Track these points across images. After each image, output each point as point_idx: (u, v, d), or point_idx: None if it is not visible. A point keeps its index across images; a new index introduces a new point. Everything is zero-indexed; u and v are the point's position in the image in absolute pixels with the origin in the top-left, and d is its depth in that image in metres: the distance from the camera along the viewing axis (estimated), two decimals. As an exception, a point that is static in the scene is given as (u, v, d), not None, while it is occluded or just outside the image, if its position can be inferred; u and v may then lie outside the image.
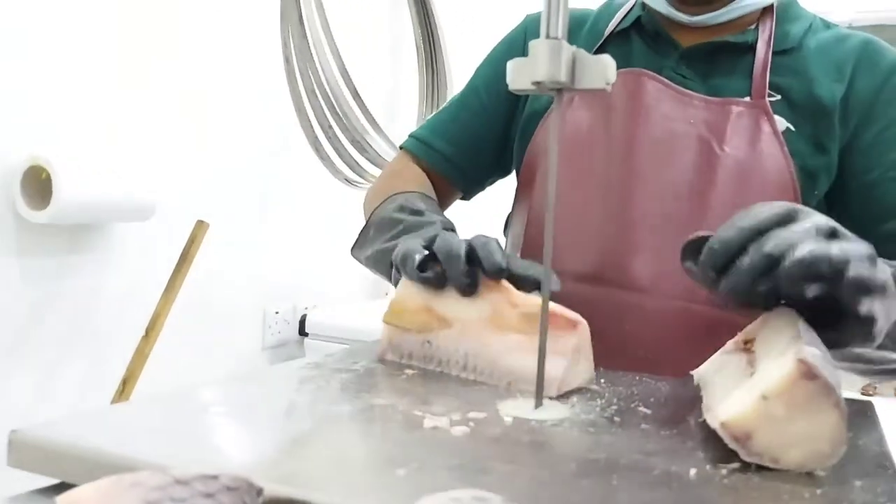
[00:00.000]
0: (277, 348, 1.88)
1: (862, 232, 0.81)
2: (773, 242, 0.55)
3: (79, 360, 1.40)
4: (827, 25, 0.90)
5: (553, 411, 0.57)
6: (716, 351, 0.65)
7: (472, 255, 0.66)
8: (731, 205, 0.81)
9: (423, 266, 0.68)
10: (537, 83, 0.55)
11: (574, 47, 0.55)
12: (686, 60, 0.87)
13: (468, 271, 0.66)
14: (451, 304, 0.68)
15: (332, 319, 1.87)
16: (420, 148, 1.00)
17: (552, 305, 0.62)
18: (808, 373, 0.45)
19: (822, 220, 0.57)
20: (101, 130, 1.39)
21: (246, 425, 0.51)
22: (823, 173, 0.83)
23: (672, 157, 0.83)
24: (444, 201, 1.01)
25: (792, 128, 0.83)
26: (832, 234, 0.57)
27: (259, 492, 0.38)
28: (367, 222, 0.94)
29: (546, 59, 0.53)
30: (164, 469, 0.36)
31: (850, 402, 0.65)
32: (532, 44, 0.54)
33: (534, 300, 0.64)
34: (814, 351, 0.48)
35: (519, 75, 0.56)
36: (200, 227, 1.47)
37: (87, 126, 1.37)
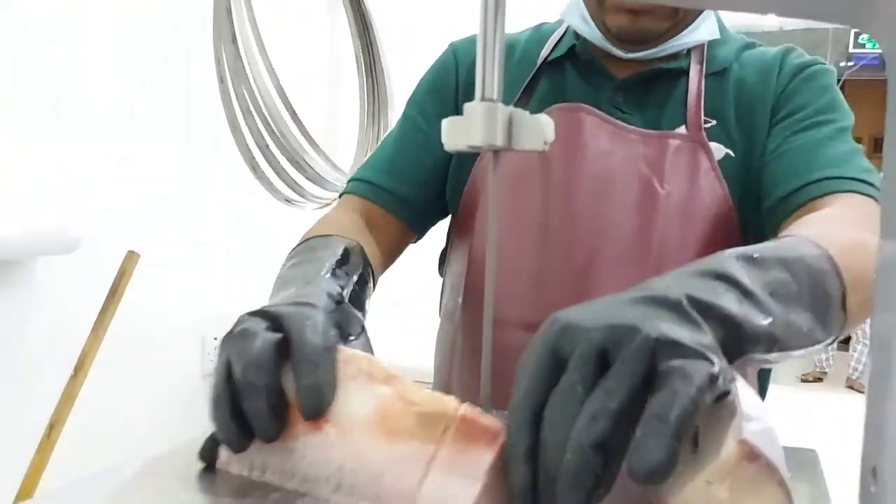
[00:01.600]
0: (217, 376, 1.83)
1: (757, 216, 0.81)
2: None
3: (1, 403, 1.33)
4: (752, 45, 0.91)
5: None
6: None
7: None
8: (673, 245, 0.81)
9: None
10: (473, 147, 0.52)
11: (511, 108, 0.52)
12: (622, 92, 0.87)
13: (266, 420, 0.50)
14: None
15: (273, 344, 1.83)
16: (362, 188, 0.92)
17: (470, 411, 0.48)
18: (750, 454, 0.44)
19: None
20: (16, 159, 1.32)
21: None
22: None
23: (612, 196, 0.82)
24: (395, 243, 0.93)
25: (731, 153, 0.83)
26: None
27: None
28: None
29: (482, 123, 0.51)
30: None
31: (794, 451, 0.65)
32: (467, 107, 0.51)
33: (434, 397, 0.49)
34: (755, 427, 0.46)
35: (454, 136, 0.54)
36: (131, 258, 1.41)
37: (1, 155, 1.30)
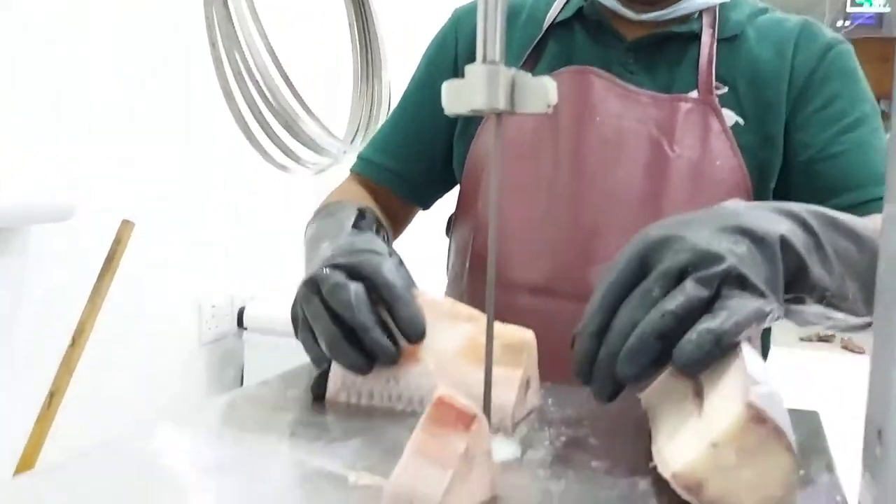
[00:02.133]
0: (215, 343, 1.83)
1: (766, 189, 0.81)
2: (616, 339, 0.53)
3: None
4: (765, 10, 0.89)
5: (502, 450, 0.55)
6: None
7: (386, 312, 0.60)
8: (683, 209, 0.80)
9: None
10: (475, 110, 0.51)
11: (513, 70, 0.51)
12: (632, 54, 0.85)
13: (388, 347, 0.60)
14: None
15: (271, 311, 1.82)
16: (366, 168, 0.97)
17: (502, 327, 0.59)
18: (758, 417, 0.44)
19: (678, 262, 0.53)
20: (16, 159, 1.30)
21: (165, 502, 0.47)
22: (774, 164, 0.83)
23: (622, 160, 0.81)
24: (401, 219, 0.98)
25: (741, 121, 0.82)
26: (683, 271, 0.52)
27: None
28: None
29: (483, 87, 0.50)
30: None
31: (797, 413, 0.65)
32: (468, 69, 0.50)
33: (513, 330, 0.60)
34: (762, 391, 0.46)
35: (455, 100, 0.53)
36: (126, 226, 1.40)
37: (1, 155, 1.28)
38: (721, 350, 0.50)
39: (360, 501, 0.46)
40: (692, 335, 0.49)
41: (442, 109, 0.90)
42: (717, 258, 0.52)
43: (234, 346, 1.87)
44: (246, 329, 1.82)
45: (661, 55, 0.85)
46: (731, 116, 0.82)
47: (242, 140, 1.77)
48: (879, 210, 0.77)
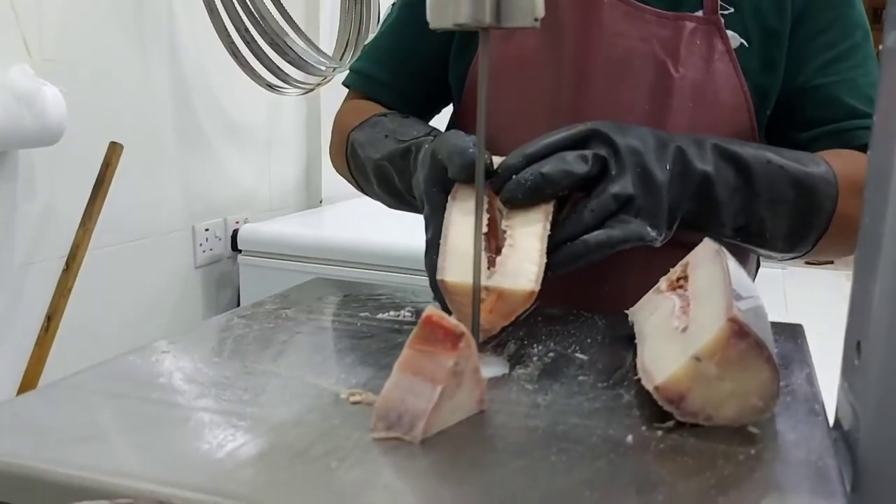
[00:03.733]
0: (210, 266, 1.84)
1: (787, 138, 0.81)
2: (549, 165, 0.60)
3: (-3, 298, 1.34)
4: None
5: (491, 367, 0.56)
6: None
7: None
8: (687, 131, 0.79)
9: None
10: (460, 24, 0.50)
11: (499, -18, 0.50)
12: None
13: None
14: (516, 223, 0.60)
15: (265, 233, 1.82)
16: (363, 82, 0.94)
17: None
18: (740, 331, 0.45)
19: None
20: None
21: (171, 418, 0.48)
22: (773, 92, 0.82)
23: (627, 80, 0.79)
24: None
25: (745, 43, 0.80)
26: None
27: (181, 511, 0.36)
28: (347, 140, 0.88)
29: None
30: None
31: (780, 326, 0.67)
32: (452, -19, 0.49)
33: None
34: (744, 305, 0.47)
35: (439, 14, 0.51)
36: (114, 149, 1.39)
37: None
38: (543, 196, 0.60)
39: (352, 416, 0.47)
40: (524, 178, 0.59)
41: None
42: (608, 139, 0.62)
43: (230, 268, 1.88)
44: (240, 252, 1.82)
45: None
46: (735, 38, 0.80)
47: (231, 60, 1.74)
48: (857, 140, 0.77)
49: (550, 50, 0.81)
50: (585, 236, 0.60)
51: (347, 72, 0.97)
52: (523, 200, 0.60)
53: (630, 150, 0.62)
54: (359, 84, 0.95)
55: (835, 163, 0.72)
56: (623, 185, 0.61)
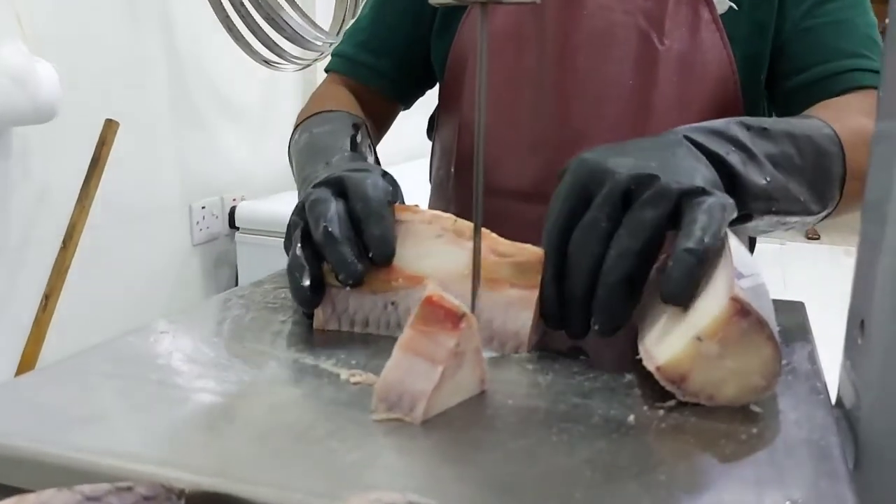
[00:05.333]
0: (208, 244, 1.83)
1: (780, 89, 0.80)
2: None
3: (-6, 277, 1.33)
4: None
5: (491, 348, 0.56)
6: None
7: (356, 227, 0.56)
8: (673, 104, 0.78)
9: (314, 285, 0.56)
10: None
11: (499, -44, 0.49)
12: None
13: (352, 263, 0.55)
14: (419, 257, 0.56)
15: (262, 211, 1.82)
16: (344, 65, 0.92)
17: (511, 245, 0.55)
18: (741, 310, 0.45)
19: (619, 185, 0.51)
20: None
21: (171, 399, 0.48)
22: (765, 55, 0.80)
23: (611, 54, 0.78)
24: (383, 117, 0.94)
25: (735, 6, 0.79)
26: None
27: (181, 493, 0.36)
28: (289, 144, 0.86)
29: (468, -25, 0.48)
30: (72, 484, 0.33)
31: (783, 304, 0.66)
32: (451, -44, 0.48)
33: (526, 248, 0.55)
34: (746, 284, 0.47)
35: (439, -11, 0.50)
36: (110, 126, 1.38)
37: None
38: (704, 265, 0.48)
39: (353, 397, 0.47)
40: (674, 264, 0.47)
41: (414, 3, 0.87)
42: (653, 177, 0.50)
43: (227, 246, 1.88)
44: (238, 229, 1.82)
45: None
46: (723, 2, 0.79)
47: (227, 36, 1.72)
48: (846, 84, 0.76)
49: (533, 25, 0.80)
50: (687, 245, 0.48)
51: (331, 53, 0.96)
52: (686, 290, 0.48)
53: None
54: (341, 67, 0.93)
55: (824, 115, 0.69)
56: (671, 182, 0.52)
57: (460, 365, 0.45)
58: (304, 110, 0.89)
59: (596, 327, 0.51)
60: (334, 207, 0.56)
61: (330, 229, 0.54)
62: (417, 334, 0.45)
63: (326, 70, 0.95)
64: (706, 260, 0.48)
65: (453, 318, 0.44)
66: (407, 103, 0.97)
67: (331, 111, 0.83)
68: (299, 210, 0.59)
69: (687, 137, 0.56)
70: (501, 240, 0.56)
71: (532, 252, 0.54)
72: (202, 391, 0.48)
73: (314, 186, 0.59)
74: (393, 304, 0.56)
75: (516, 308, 0.54)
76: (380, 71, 0.91)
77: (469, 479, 0.38)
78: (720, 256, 0.51)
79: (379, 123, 0.93)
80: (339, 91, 0.91)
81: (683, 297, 0.48)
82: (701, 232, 0.48)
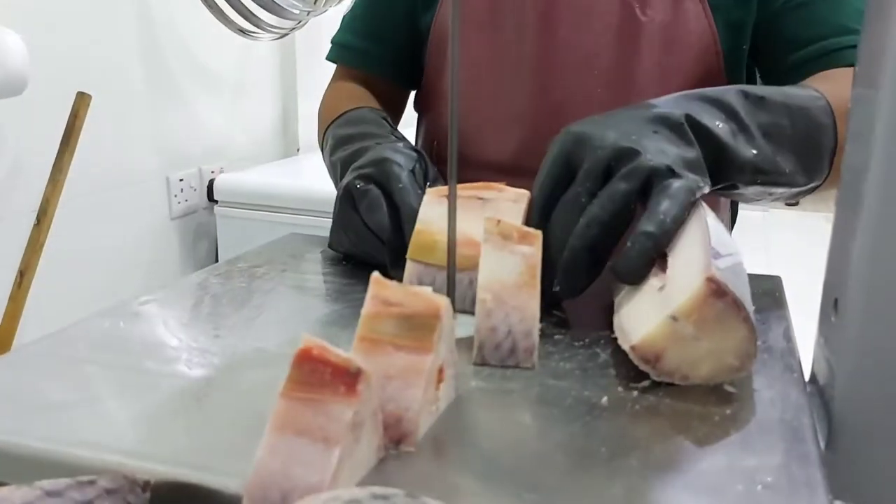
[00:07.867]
0: (187, 217, 1.81)
1: (774, 66, 0.79)
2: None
3: (-34, 254, 1.31)
4: None
5: (465, 327, 0.55)
6: None
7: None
8: (655, 76, 0.77)
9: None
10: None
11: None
12: None
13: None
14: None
15: (242, 183, 1.79)
16: (347, 55, 0.92)
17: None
18: (717, 291, 0.44)
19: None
20: None
21: (140, 385, 0.47)
22: (748, 24, 0.79)
23: (591, 25, 0.77)
24: (395, 103, 0.93)
25: None
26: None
27: (146, 485, 0.35)
28: (324, 134, 0.85)
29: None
30: (32, 480, 0.32)
31: (759, 278, 0.66)
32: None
33: (421, 295, 0.41)
34: (722, 264, 0.46)
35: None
36: (82, 99, 1.35)
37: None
38: (660, 248, 0.50)
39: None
40: (631, 244, 0.50)
41: None
42: (633, 152, 0.52)
43: (206, 219, 1.86)
44: (217, 202, 1.80)
45: None
46: None
47: (201, 4, 1.68)
48: (843, 61, 0.75)
49: None
50: (646, 228, 0.50)
51: (323, 14, 0.95)
52: (639, 270, 0.50)
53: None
54: (341, 57, 0.93)
55: (821, 86, 0.68)
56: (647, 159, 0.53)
57: (358, 439, 0.33)
58: (322, 113, 0.89)
59: (556, 289, 0.53)
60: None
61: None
62: (296, 405, 0.32)
63: (328, 59, 0.94)
64: (663, 244, 0.50)
65: (345, 377, 0.32)
66: (414, 86, 0.95)
67: (354, 109, 0.83)
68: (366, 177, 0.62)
69: (678, 108, 0.56)
70: (391, 283, 0.41)
71: (427, 301, 0.40)
72: (172, 376, 0.47)
73: (359, 179, 0.63)
74: (473, 282, 0.53)
75: (398, 383, 0.38)
76: (380, 57, 0.90)
77: (440, 465, 0.38)
78: (697, 235, 0.51)
79: (393, 112, 0.92)
80: (353, 90, 0.90)
81: (635, 276, 0.50)
82: (663, 216, 0.50)
